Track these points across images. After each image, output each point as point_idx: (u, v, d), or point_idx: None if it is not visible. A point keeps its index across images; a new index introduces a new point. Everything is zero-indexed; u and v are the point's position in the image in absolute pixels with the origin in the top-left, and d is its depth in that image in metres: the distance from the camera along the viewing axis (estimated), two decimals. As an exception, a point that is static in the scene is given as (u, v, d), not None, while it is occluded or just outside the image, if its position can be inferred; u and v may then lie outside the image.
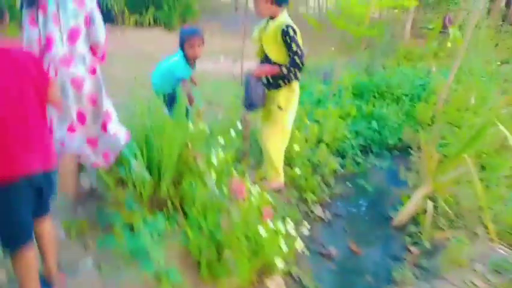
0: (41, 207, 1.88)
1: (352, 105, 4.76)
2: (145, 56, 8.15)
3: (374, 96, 5.19)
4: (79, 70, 2.41)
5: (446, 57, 7.03)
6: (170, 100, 3.38)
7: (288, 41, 2.78)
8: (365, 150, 4.35)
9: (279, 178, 3.20)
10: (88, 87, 2.46)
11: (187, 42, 3.25)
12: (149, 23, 10.30)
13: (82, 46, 2.42)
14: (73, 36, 2.40)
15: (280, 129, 3.06)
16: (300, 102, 4.89)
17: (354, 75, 5.58)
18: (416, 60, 7.78)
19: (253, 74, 2.95)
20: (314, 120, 4.39)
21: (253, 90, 2.91)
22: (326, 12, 11.95)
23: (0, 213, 1.73)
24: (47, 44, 2.35)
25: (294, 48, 2.79)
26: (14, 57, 1.72)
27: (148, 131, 2.66)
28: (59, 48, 2.36)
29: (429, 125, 4.65)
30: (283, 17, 2.86)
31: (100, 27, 2.50)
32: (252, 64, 3.75)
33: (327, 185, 3.54)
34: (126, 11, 10.12)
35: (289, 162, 3.52)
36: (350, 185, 3.67)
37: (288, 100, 2.99)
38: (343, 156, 4.10)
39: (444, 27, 7.59)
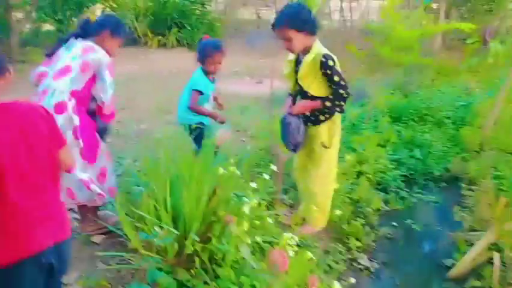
0: None
1: (391, 131, 4.39)
2: (169, 78, 7.99)
3: (413, 120, 4.81)
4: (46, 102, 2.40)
5: (486, 73, 6.57)
6: (197, 134, 3.12)
7: (329, 72, 2.47)
8: (408, 181, 3.95)
9: (324, 221, 2.87)
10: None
11: (210, 58, 3.02)
12: (173, 44, 10.17)
13: (63, 84, 2.44)
14: (60, 72, 2.45)
15: (328, 169, 2.76)
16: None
17: (390, 96, 5.21)
18: (451, 76, 7.34)
19: (292, 113, 2.62)
20: (351, 149, 4.05)
21: (296, 131, 2.60)
22: (350, 26, 11.62)
23: None
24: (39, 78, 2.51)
25: (337, 79, 2.48)
26: (18, 113, 1.44)
27: (173, 176, 2.36)
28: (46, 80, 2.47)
29: (477, 152, 4.23)
30: (318, 46, 2.55)
31: (106, 87, 2.47)
32: (278, 84, 3.46)
33: (371, 226, 3.17)
34: (149, 32, 10.03)
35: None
36: (395, 225, 3.28)
37: (332, 135, 2.68)
38: (385, 190, 3.72)
39: (484, 41, 7.14)
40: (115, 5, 10.65)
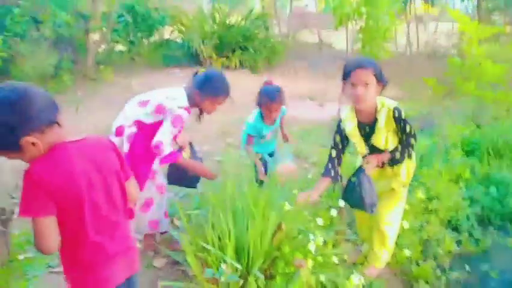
0: None
1: (464, 165, 4.12)
2: (231, 100, 8.11)
3: (489, 154, 4.48)
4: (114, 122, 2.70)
5: None
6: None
7: (402, 124, 2.35)
8: (483, 222, 3.66)
9: (387, 261, 2.73)
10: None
11: (266, 107, 3.09)
12: (235, 66, 10.37)
13: (133, 112, 2.67)
14: (140, 102, 2.70)
15: (400, 210, 2.64)
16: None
17: (462, 127, 4.91)
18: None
19: (365, 173, 2.48)
20: (420, 184, 3.84)
21: (371, 190, 2.47)
22: (416, 51, 11.25)
23: None
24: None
25: (408, 129, 2.37)
26: (91, 148, 1.46)
27: (238, 209, 2.33)
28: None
29: (563, 192, 3.85)
30: (382, 100, 2.39)
31: (163, 132, 2.53)
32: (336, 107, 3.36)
33: (442, 269, 2.95)
34: (214, 54, 10.30)
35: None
36: (469, 270, 3.03)
37: (410, 173, 2.60)
38: (457, 230, 3.46)
39: None
40: (183, 28, 11.08)
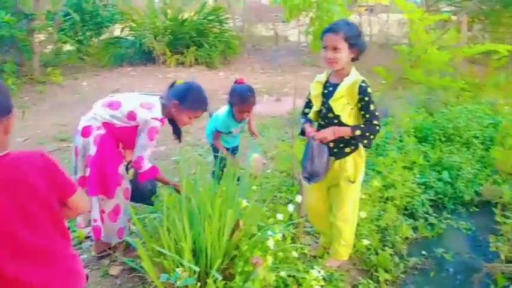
0: None
1: (417, 152, 4.22)
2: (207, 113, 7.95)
3: (440, 140, 4.62)
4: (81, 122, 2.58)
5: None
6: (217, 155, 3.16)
7: (366, 99, 2.32)
8: (437, 206, 3.77)
9: (348, 254, 2.74)
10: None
11: (237, 107, 3.05)
12: (191, 63, 10.19)
13: (103, 112, 2.55)
14: (110, 103, 2.57)
15: (354, 205, 2.61)
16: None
17: (415, 115, 5.04)
18: (477, 92, 7.11)
19: (316, 139, 2.42)
20: (376, 172, 3.90)
21: (317, 159, 2.40)
22: (369, 40, 11.48)
23: None
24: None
25: (372, 108, 2.34)
26: (5, 172, 1.28)
27: (193, 210, 2.27)
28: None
29: (510, 174, 4.03)
30: (356, 72, 2.41)
31: (140, 146, 2.53)
32: (299, 102, 3.36)
33: (400, 256, 3.00)
34: (167, 51, 10.08)
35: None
36: (426, 255, 3.10)
37: (358, 169, 2.53)
38: (413, 216, 3.55)
39: None
40: (134, 25, 10.77)
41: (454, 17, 10.23)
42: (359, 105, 2.36)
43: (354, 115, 2.40)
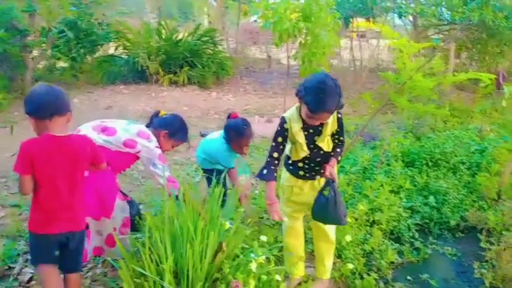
0: (68, 261, 2.23)
1: (404, 176, 4.25)
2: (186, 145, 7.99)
3: (427, 165, 4.66)
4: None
5: (500, 116, 6.44)
6: (209, 178, 3.12)
7: (341, 127, 2.46)
8: (423, 231, 3.78)
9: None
10: None
11: (235, 143, 3.04)
12: (184, 82, 10.24)
13: (95, 137, 2.60)
14: (103, 128, 2.68)
15: None
16: (343, 171, 4.47)
17: (402, 140, 5.09)
18: (464, 118, 7.21)
19: (334, 181, 2.46)
20: (362, 195, 3.91)
21: (341, 201, 2.48)
22: (360, 65, 11.65)
23: (33, 246, 2.21)
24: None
25: (343, 134, 2.50)
26: (69, 143, 2.11)
27: (176, 230, 2.25)
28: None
29: (495, 200, 4.06)
30: None
31: (160, 171, 2.67)
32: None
33: (385, 281, 2.99)
34: (161, 70, 10.14)
35: (338, 253, 3.03)
36: (411, 280, 3.09)
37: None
38: (398, 240, 3.55)
39: (498, 84, 7.05)
40: (128, 44, 10.84)
41: (442, 44, 10.48)
42: (335, 131, 2.49)
43: (331, 140, 2.54)
